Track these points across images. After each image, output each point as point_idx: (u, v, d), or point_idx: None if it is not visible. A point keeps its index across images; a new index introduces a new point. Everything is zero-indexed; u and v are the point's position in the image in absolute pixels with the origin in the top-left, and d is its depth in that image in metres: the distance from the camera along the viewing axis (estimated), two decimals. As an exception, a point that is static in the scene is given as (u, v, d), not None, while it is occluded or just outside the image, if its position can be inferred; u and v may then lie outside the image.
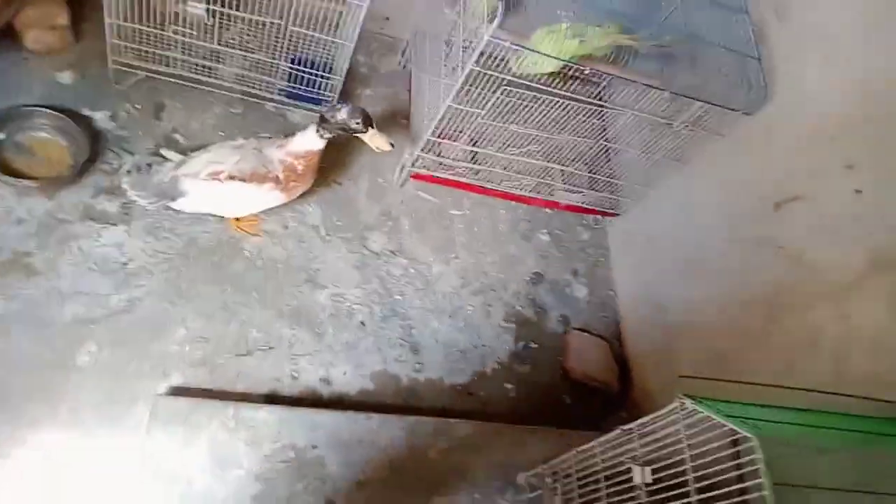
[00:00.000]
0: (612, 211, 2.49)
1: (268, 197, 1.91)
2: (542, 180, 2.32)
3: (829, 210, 1.61)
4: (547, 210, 2.53)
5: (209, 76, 2.18)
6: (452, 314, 2.23)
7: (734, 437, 1.19)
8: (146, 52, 2.07)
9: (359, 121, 1.82)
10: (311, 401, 1.94)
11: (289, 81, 2.19)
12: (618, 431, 1.43)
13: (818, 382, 1.52)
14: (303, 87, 2.18)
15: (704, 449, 1.23)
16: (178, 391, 1.81)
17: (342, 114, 1.80)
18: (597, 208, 2.48)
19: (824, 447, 1.32)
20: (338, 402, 1.96)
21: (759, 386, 1.41)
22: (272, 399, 1.90)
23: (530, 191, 2.36)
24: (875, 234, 1.48)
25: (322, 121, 1.82)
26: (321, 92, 2.19)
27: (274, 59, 2.12)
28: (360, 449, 1.78)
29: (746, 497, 1.12)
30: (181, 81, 2.19)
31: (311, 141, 1.85)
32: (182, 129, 2.16)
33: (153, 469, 1.62)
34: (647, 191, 2.30)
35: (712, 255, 1.99)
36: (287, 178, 1.88)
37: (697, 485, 1.18)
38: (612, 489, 1.46)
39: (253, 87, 2.21)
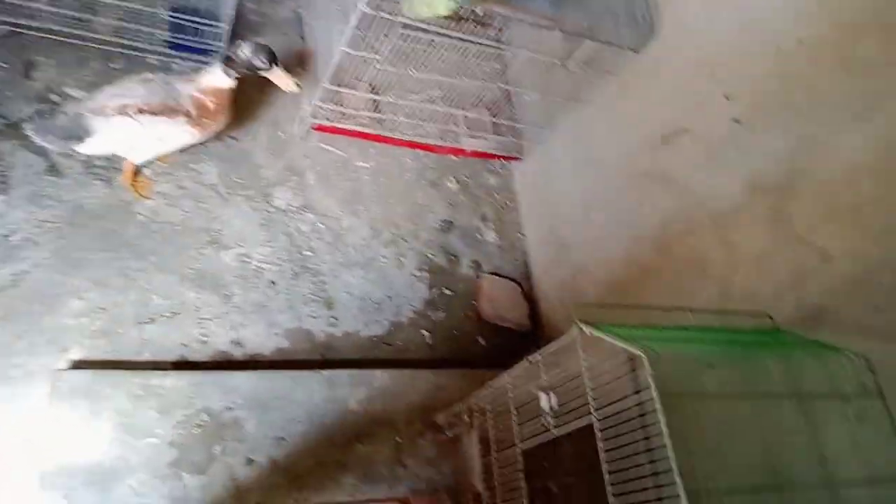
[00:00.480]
0: (516, 155, 2.53)
1: (181, 133, 1.83)
2: (447, 127, 2.31)
3: (711, 141, 1.69)
4: (453, 157, 2.53)
5: (83, 29, 2.02)
6: (365, 266, 2.22)
7: (632, 360, 1.27)
8: (6, 3, 1.89)
9: (263, 58, 1.76)
10: (223, 364, 1.90)
11: (171, 32, 2.06)
12: (524, 363, 1.49)
13: (706, 303, 1.64)
14: (187, 37, 2.06)
15: (603, 372, 1.30)
16: (79, 365, 1.73)
17: (245, 51, 1.74)
18: (502, 153, 2.51)
19: (713, 362, 1.42)
20: (252, 363, 1.93)
21: (654, 311, 1.49)
22: (181, 366, 1.85)
23: (435, 138, 2.35)
24: (752, 161, 1.57)
25: (227, 60, 1.75)
26: (208, 42, 2.08)
27: (152, 7, 1.99)
28: (278, 406, 1.78)
29: (644, 412, 1.20)
30: (52, 36, 2.01)
31: (218, 79, 1.78)
32: (56, 88, 2.00)
33: (58, 444, 1.55)
34: (548, 133, 2.35)
35: (609, 192, 2.07)
36: (199, 114, 1.81)
37: (596, 404, 1.25)
38: (523, 418, 1.53)
39: (132, 40, 2.07)
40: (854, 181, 1.34)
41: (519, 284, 2.45)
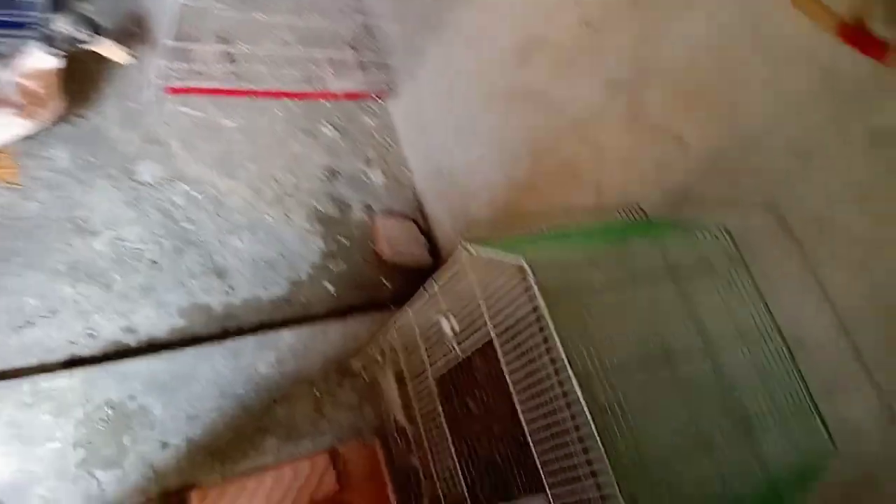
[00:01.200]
0: (389, 91, 2.48)
1: (9, 126, 1.67)
2: (310, 70, 2.23)
3: (566, 48, 1.72)
4: (324, 102, 2.45)
5: None
6: (252, 229, 2.14)
7: (521, 270, 1.30)
8: None
9: (86, 30, 1.61)
10: (119, 354, 1.81)
11: (-21, 7, 1.84)
12: (422, 293, 1.50)
13: (584, 206, 1.70)
14: (-1, 11, 1.85)
15: (498, 287, 1.33)
16: (-48, 385, 1.60)
17: (64, 25, 1.57)
18: (373, 91, 2.45)
19: (595, 259, 1.49)
20: (149, 348, 1.85)
21: (537, 221, 1.54)
22: (73, 364, 1.74)
23: (300, 84, 2.26)
24: (605, 62, 1.61)
25: (47, 38, 1.58)
26: (24, 13, 1.86)
27: (-51, -19, 1.76)
28: (183, 386, 1.72)
29: (539, 316, 1.24)
30: None
31: (40, 60, 1.61)
32: None
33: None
34: (415, 63, 2.31)
35: (479, 115, 2.07)
36: (28, 102, 1.64)
37: (494, 318, 1.29)
38: (431, 347, 1.56)
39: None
40: (695, 66, 1.41)
41: (414, 221, 2.45)
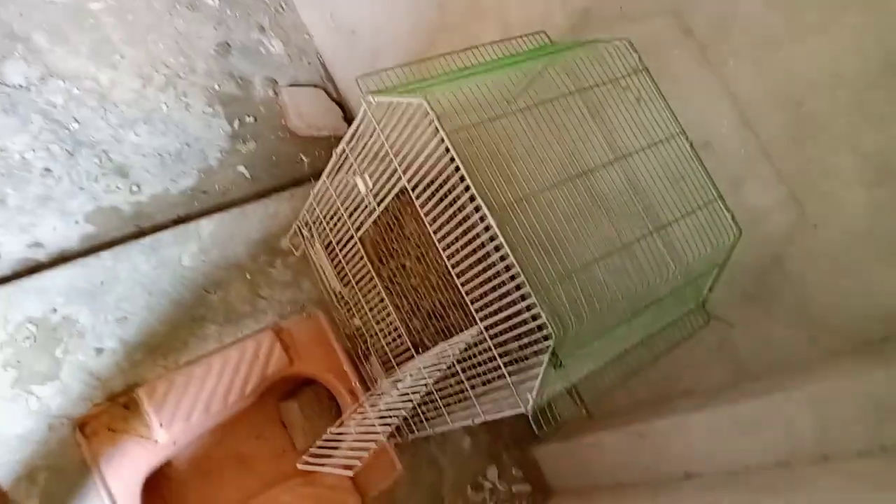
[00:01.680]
0: (270, -53, 2.25)
1: None
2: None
3: None
4: (201, -31, 2.22)
5: None
6: (147, 120, 1.99)
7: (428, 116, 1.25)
8: None
9: None
10: (31, 270, 1.72)
11: None
12: (333, 157, 1.45)
13: (492, 40, 1.62)
14: None
15: (411, 136, 1.28)
16: None
17: None
18: (252, -51, 2.22)
19: (503, 91, 1.45)
20: (62, 259, 1.76)
21: (443, 60, 1.46)
22: (-18, 288, 1.65)
23: (169, -49, 2.02)
24: None
25: None
26: None
27: None
28: (106, 290, 1.66)
29: (452, 158, 1.21)
30: None
31: None
32: None
33: None
34: None
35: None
36: None
37: (407, 169, 1.25)
38: (351, 210, 1.52)
39: None
40: None
41: (323, 89, 2.33)
